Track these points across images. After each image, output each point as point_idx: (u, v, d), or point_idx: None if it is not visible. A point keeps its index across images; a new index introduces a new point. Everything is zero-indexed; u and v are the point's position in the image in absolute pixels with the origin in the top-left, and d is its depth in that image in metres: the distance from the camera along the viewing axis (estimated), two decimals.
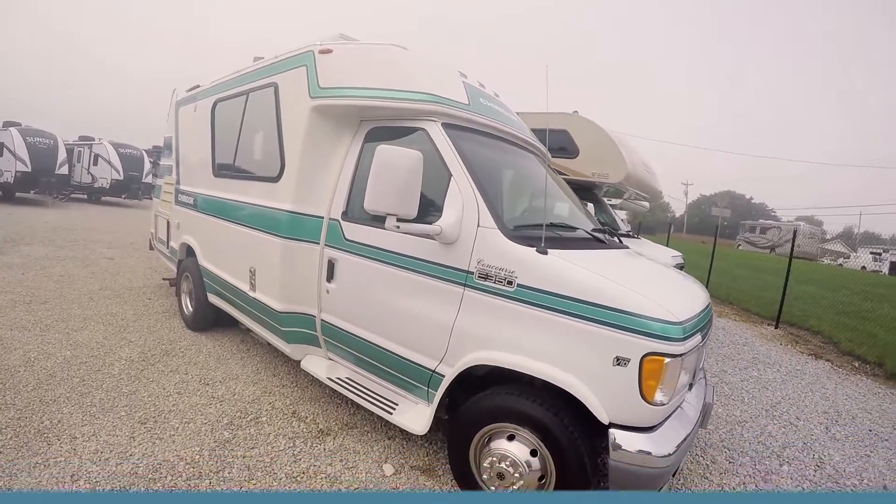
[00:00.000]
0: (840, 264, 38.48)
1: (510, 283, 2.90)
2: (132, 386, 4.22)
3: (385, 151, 2.91)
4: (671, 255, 7.39)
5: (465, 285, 3.09)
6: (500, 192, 3.62)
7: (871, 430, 5.27)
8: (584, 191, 8.34)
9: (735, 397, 5.81)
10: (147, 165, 23.09)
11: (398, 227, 3.03)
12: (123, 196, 23.03)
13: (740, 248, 46.90)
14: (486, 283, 3.00)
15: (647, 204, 11.27)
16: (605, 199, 9.22)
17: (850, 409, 5.84)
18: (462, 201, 3.13)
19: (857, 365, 8.00)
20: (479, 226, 3.06)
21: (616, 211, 9.79)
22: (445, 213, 3.15)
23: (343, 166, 3.91)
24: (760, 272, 19.57)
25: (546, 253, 2.88)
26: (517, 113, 4.78)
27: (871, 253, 41.30)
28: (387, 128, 3.71)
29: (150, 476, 3.04)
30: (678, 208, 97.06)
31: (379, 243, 3.54)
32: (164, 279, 7.92)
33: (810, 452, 4.56)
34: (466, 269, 3.08)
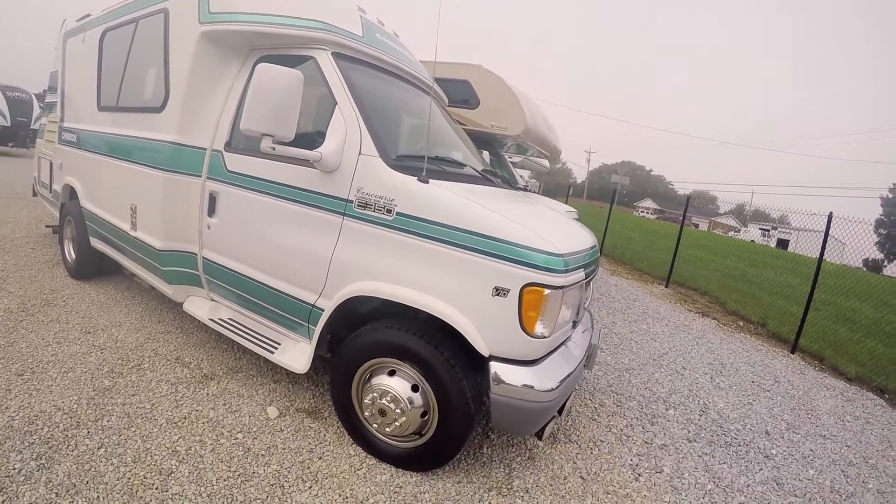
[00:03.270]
0: (731, 236, 40.70)
1: (389, 211, 2.85)
2: (9, 338, 3.95)
3: (264, 69, 2.76)
4: (565, 209, 7.47)
5: (344, 214, 3.02)
6: (387, 123, 3.55)
7: (753, 382, 5.63)
8: (485, 144, 8.35)
9: (624, 347, 6.06)
10: (37, 110, 21.16)
11: (274, 148, 2.88)
12: (10, 145, 21.12)
13: None
14: (365, 211, 2.94)
15: (546, 163, 11.42)
16: (504, 154, 9.27)
17: (734, 363, 6.21)
18: (345, 129, 3.05)
19: (741, 324, 8.53)
20: (360, 153, 2.98)
21: (517, 170, 9.87)
22: (327, 140, 3.05)
23: (229, 96, 3.74)
24: (654, 236, 20.50)
25: (427, 182, 2.84)
26: (421, 62, 4.69)
27: (761, 229, 43.83)
28: (277, 56, 3.53)
29: (25, 428, 2.87)
30: (580, 174, 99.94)
31: (260, 174, 3.41)
32: (47, 226, 7.39)
33: (696, 399, 4.82)
34: (346, 197, 3.01)
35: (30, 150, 20.71)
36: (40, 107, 20.50)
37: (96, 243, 5.18)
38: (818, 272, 7.53)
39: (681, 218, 12.18)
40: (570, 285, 2.66)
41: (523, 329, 2.56)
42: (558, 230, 3.16)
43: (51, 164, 6.44)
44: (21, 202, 9.89)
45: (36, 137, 8.00)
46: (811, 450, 4.18)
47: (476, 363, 2.76)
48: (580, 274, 2.84)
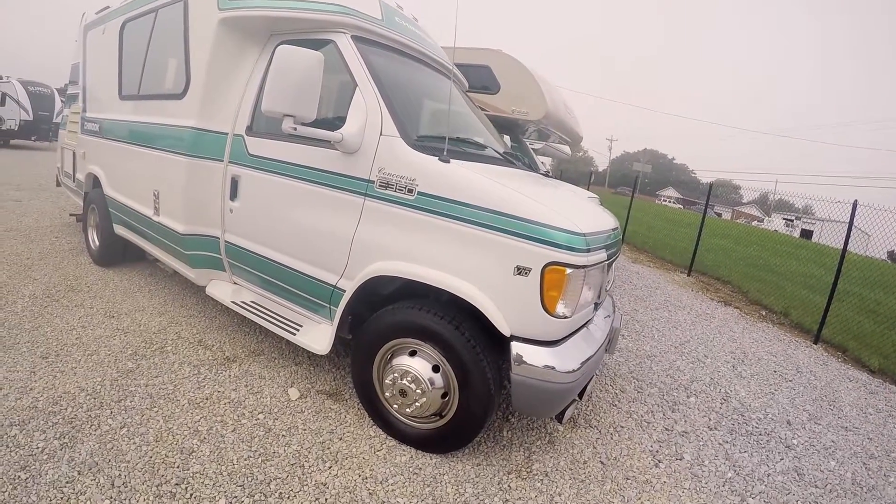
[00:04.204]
0: (754, 225, 40.08)
1: (411, 191, 2.85)
2: (35, 322, 4.02)
3: (284, 51, 2.77)
4: (587, 195, 7.25)
5: (365, 195, 3.03)
6: (408, 104, 3.54)
7: (775, 371, 5.54)
8: (507, 130, 8.37)
9: (646, 334, 6.02)
10: (58, 104, 21.49)
11: (295, 129, 2.89)
12: (33, 138, 21.46)
13: None
14: (386, 191, 2.94)
15: (568, 149, 11.33)
16: (526, 141, 9.24)
17: (756, 352, 6.13)
18: (366, 110, 3.05)
19: (764, 314, 8.42)
20: (381, 134, 2.98)
21: (538, 157, 9.80)
22: (348, 121, 3.06)
23: (249, 81, 3.77)
24: (676, 225, 20.28)
25: (448, 162, 2.83)
26: (442, 48, 4.69)
27: (784, 219, 43.02)
28: (296, 40, 3.53)
29: (50, 409, 2.92)
30: (602, 162, 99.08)
31: (282, 156, 3.43)
32: (71, 215, 7.52)
33: (717, 387, 4.76)
34: (367, 178, 3.01)
35: (52, 143, 21.03)
36: (62, 101, 20.79)
37: (120, 230, 5.26)
38: (842, 262, 7.40)
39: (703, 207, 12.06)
40: (591, 265, 2.64)
41: (545, 309, 2.54)
42: (580, 210, 3.12)
43: (74, 154, 6.55)
44: (45, 193, 10.07)
45: (58, 130, 8.12)
46: (833, 441, 4.11)
47: (497, 344, 2.75)
48: (602, 254, 2.82)
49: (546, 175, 5.93)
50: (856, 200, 7.55)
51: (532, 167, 4.82)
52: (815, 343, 7.14)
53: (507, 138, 6.45)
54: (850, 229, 7.48)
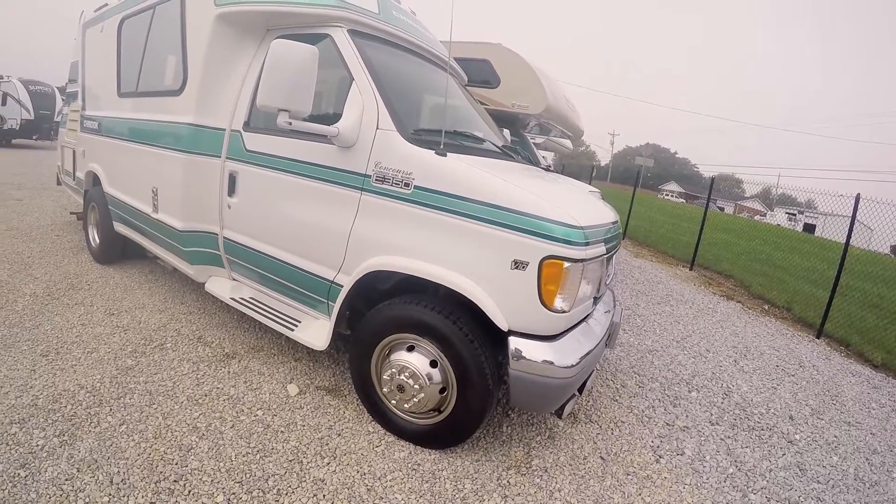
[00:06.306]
0: (757, 220, 39.91)
1: (407, 185, 2.84)
2: (35, 320, 4.03)
3: (279, 45, 2.76)
4: (588, 189, 7.23)
5: (362, 189, 3.01)
6: (405, 98, 3.52)
7: (778, 366, 5.51)
8: (508, 124, 8.26)
9: (647, 329, 6.00)
10: (59, 103, 21.48)
11: (290, 123, 2.89)
12: (35, 137, 21.49)
13: None
14: (383, 186, 2.93)
15: (569, 143, 11.27)
16: (527, 135, 9.17)
17: (758, 346, 6.10)
18: (362, 105, 3.04)
19: (766, 308, 8.38)
20: (377, 128, 2.97)
21: (540, 151, 9.75)
22: (345, 115, 3.05)
23: (247, 76, 3.77)
24: (678, 219, 20.23)
25: (445, 155, 2.82)
26: (441, 42, 4.67)
27: (787, 213, 42.76)
28: (293, 35, 3.51)
29: (49, 406, 2.92)
30: (604, 157, 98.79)
31: (279, 152, 3.43)
32: (71, 213, 7.55)
33: (719, 382, 4.74)
34: (364, 172, 3.00)
35: (54, 142, 21.02)
36: (62, 100, 20.80)
37: (120, 227, 5.27)
38: (844, 256, 7.36)
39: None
40: (589, 259, 2.62)
41: (542, 303, 2.52)
42: (578, 204, 3.10)
43: (74, 152, 6.57)
44: (46, 192, 10.09)
45: (59, 129, 8.14)
46: (835, 436, 4.08)
47: (495, 339, 2.73)
48: (601, 248, 2.80)
49: (547, 169, 5.89)
50: (858, 194, 7.50)
51: (532, 161, 4.80)
52: (818, 337, 7.10)
53: (507, 132, 6.41)
54: (852, 223, 7.43)
